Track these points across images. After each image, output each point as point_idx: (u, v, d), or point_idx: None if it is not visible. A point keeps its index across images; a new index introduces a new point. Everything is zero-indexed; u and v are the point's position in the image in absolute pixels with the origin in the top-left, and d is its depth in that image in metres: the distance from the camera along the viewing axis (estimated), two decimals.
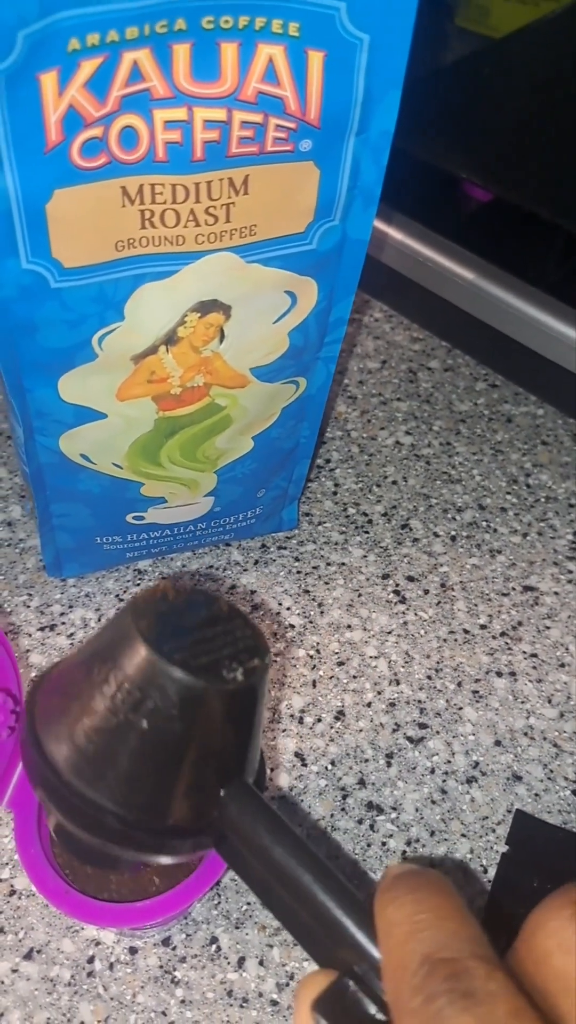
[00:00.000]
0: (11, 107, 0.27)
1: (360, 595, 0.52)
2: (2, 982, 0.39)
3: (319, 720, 0.47)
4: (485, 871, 0.43)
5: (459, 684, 0.49)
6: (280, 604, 0.52)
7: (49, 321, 0.34)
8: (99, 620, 0.50)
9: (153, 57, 0.28)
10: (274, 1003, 0.39)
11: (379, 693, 0.48)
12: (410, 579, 0.53)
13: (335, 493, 0.57)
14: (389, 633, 0.51)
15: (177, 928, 0.41)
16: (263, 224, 0.34)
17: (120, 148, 0.30)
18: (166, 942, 0.40)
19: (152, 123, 0.30)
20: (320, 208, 0.34)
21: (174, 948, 0.40)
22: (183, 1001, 0.39)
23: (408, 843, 0.44)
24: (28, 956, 0.40)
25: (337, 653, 0.50)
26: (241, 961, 0.40)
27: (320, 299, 0.38)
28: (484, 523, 0.56)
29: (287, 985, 0.39)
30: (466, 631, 0.51)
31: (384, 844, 0.43)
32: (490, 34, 0.88)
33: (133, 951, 0.40)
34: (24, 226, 0.31)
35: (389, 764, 0.46)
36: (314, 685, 0.48)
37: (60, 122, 0.28)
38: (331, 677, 0.49)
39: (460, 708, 0.48)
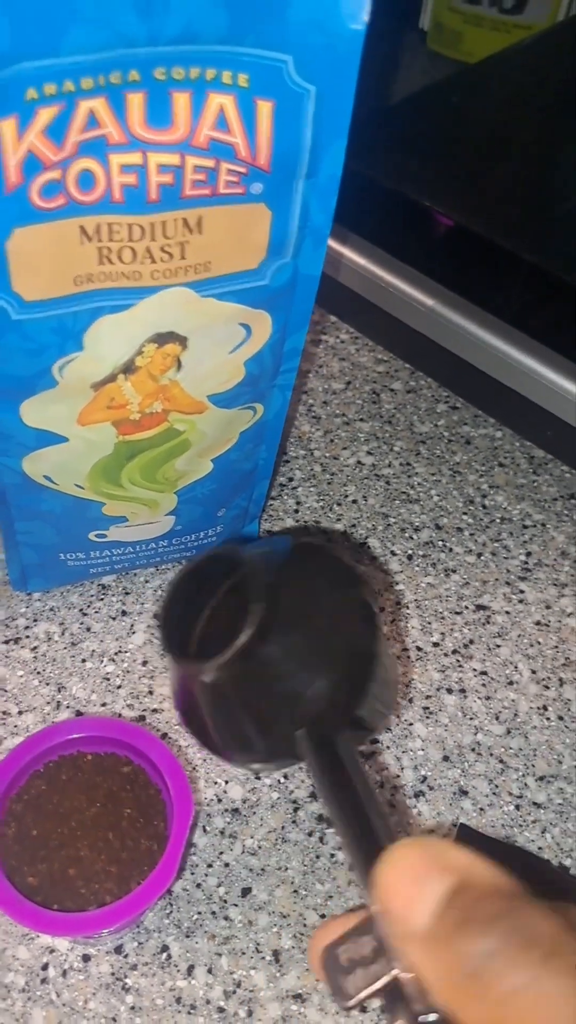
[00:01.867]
0: None
1: None
2: None
3: None
4: None
5: (411, 700, 0.50)
6: None
7: (10, 350, 0.35)
8: (63, 634, 0.52)
9: (108, 105, 0.29)
10: (221, 1010, 0.40)
11: None
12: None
13: (296, 511, 0.59)
14: None
15: (129, 936, 0.42)
16: (217, 261, 0.35)
17: (78, 189, 0.31)
18: (118, 950, 0.42)
19: (108, 167, 0.31)
20: (272, 246, 0.35)
21: (126, 956, 0.42)
22: (133, 1008, 0.40)
23: None
24: None
25: None
26: (191, 969, 0.41)
27: (274, 331, 0.39)
28: (440, 542, 0.58)
29: (234, 992, 0.41)
30: (419, 648, 0.53)
31: (332, 856, 0.45)
32: (464, 59, 0.90)
33: (86, 958, 0.41)
34: None
35: None
36: None
37: (19, 165, 0.30)
38: None
39: (411, 724, 0.50)
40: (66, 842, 0.38)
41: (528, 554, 0.57)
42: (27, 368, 0.36)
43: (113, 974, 0.41)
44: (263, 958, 0.42)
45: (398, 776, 0.48)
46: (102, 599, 0.54)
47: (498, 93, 0.75)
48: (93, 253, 0.33)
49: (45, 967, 0.41)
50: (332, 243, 0.61)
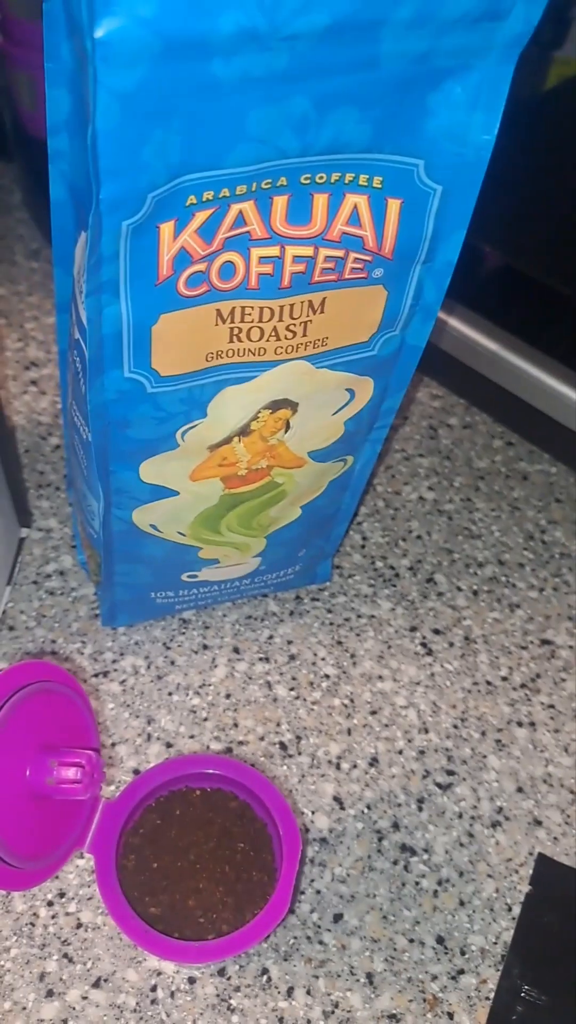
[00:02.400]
0: (132, 252, 0.31)
1: (390, 647, 0.56)
2: (73, 1008, 0.43)
3: (355, 766, 0.51)
4: (509, 909, 0.47)
5: (483, 733, 0.53)
6: (315, 655, 0.56)
7: (141, 419, 0.38)
8: (148, 667, 0.54)
9: (256, 207, 0.32)
10: None
11: (409, 741, 0.52)
12: (436, 632, 0.57)
13: (363, 547, 0.61)
14: (417, 684, 0.55)
15: (231, 960, 0.44)
16: (334, 336, 0.38)
17: (219, 279, 0.34)
18: (221, 972, 0.44)
19: (249, 259, 0.34)
20: (384, 322, 0.38)
21: (229, 978, 0.44)
22: None
23: (439, 883, 0.48)
24: (96, 984, 0.43)
25: (370, 702, 0.54)
26: (290, 991, 0.44)
27: (375, 393, 0.42)
28: (503, 578, 0.60)
29: (332, 1013, 0.43)
30: (488, 682, 0.55)
31: (417, 884, 0.47)
32: None
33: (192, 980, 0.44)
34: (131, 344, 0.35)
35: (420, 809, 0.50)
36: (349, 733, 0.52)
37: (171, 261, 0.32)
38: (365, 725, 0.53)
39: (484, 756, 0.52)
40: (186, 874, 0.41)
41: None
42: (153, 433, 0.39)
43: (218, 995, 0.44)
44: (357, 980, 0.44)
45: (475, 807, 0.50)
46: (183, 633, 0.56)
47: (546, 133, 0.77)
48: (225, 333, 0.36)
49: (154, 988, 0.44)
50: None
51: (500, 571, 0.61)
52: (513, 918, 0.47)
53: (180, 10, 0.25)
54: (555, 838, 0.49)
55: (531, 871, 0.48)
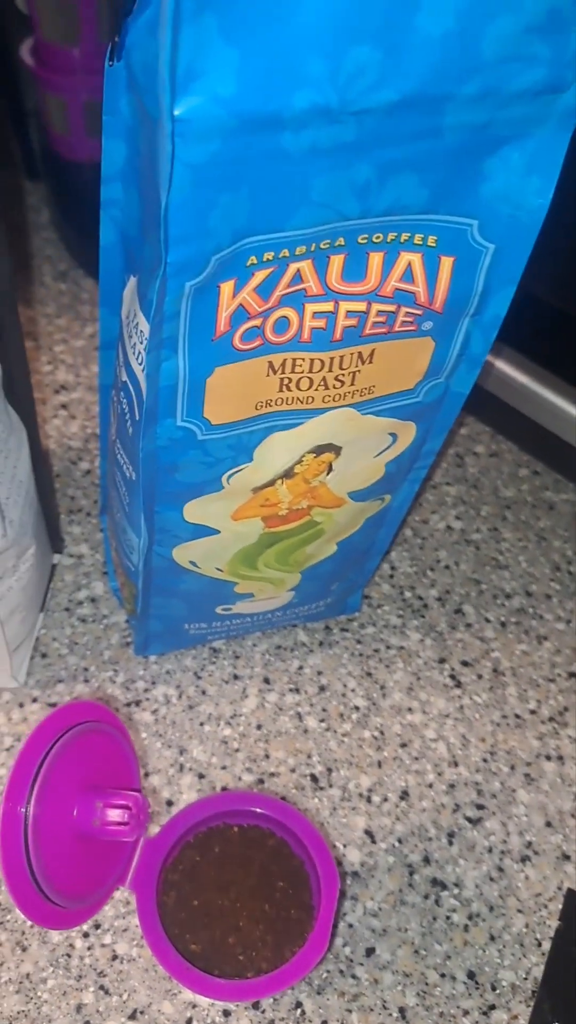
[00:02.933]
0: (193, 310, 0.32)
1: (419, 679, 0.57)
2: None
3: (386, 799, 0.52)
4: (539, 944, 0.47)
5: (512, 767, 0.53)
6: (345, 686, 0.56)
7: (189, 463, 0.39)
8: (180, 697, 0.55)
9: (313, 266, 0.33)
10: None
11: (439, 774, 0.53)
12: (464, 664, 0.58)
13: (391, 576, 0.62)
14: (447, 716, 0.55)
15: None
16: (380, 384, 0.38)
17: (273, 333, 0.34)
18: (256, 1006, 0.45)
19: (303, 314, 0.34)
20: (431, 370, 0.39)
21: (263, 1011, 0.45)
22: None
23: (470, 917, 0.48)
24: (132, 1016, 0.44)
25: (399, 735, 0.54)
26: None
27: (417, 436, 0.42)
28: (531, 609, 0.61)
29: None
30: (517, 716, 0.56)
31: (448, 918, 0.48)
32: None
33: (227, 1014, 0.44)
34: (186, 395, 0.35)
35: (451, 843, 0.50)
36: (380, 765, 0.53)
37: (229, 318, 0.33)
38: (395, 758, 0.53)
39: (514, 790, 0.53)
40: (226, 912, 0.41)
41: None
42: (200, 477, 0.40)
43: None
44: (390, 1014, 0.45)
45: (504, 841, 0.51)
46: (214, 663, 0.57)
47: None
48: (276, 383, 0.36)
49: (189, 1021, 0.44)
50: None
51: (527, 602, 0.61)
52: (543, 953, 0.47)
53: (257, 89, 0.26)
54: None
55: (560, 906, 0.49)
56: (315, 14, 0.25)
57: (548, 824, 0.52)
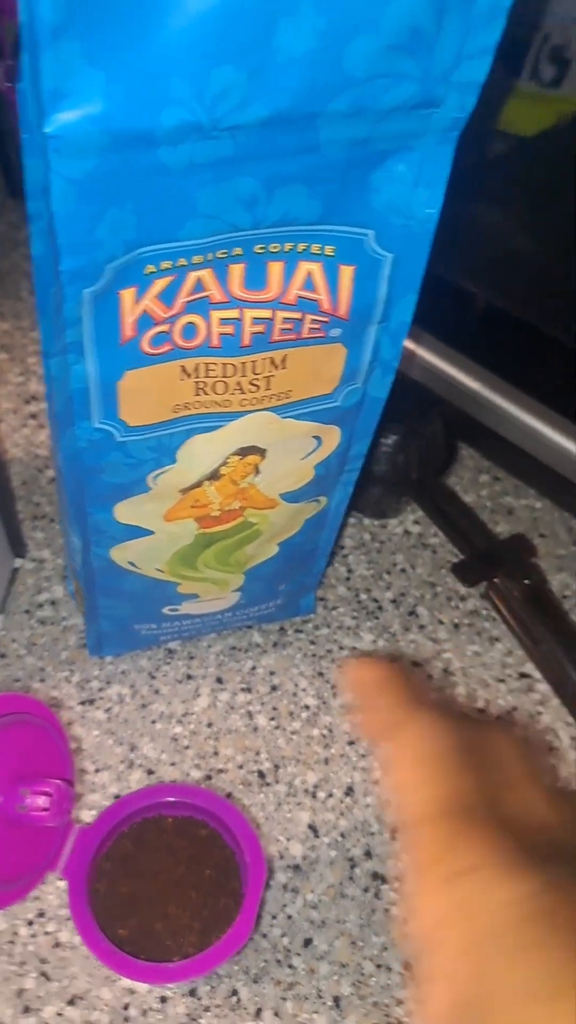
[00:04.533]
0: (96, 316, 0.34)
1: None
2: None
3: (331, 795, 0.53)
4: None
5: None
6: (296, 685, 0.57)
7: (113, 465, 0.40)
8: (133, 696, 0.56)
9: (214, 275, 0.34)
10: None
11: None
12: (416, 664, 0.59)
13: (348, 579, 0.63)
14: None
15: (202, 980, 0.46)
16: (297, 390, 0.40)
17: (182, 339, 0.36)
18: (192, 993, 0.46)
19: (209, 320, 0.36)
20: (345, 376, 0.40)
21: (199, 999, 0.46)
22: None
23: None
24: (71, 1002, 0.45)
25: (348, 733, 0.55)
26: (258, 1012, 0.46)
27: (342, 440, 0.44)
28: (484, 612, 0.62)
29: None
30: (466, 715, 0.57)
31: (387, 911, 0.49)
32: (504, 129, 0.94)
33: (163, 1000, 0.46)
34: (98, 398, 0.37)
35: (394, 838, 0.52)
36: (327, 762, 0.54)
37: (134, 323, 0.35)
38: (342, 755, 0.55)
39: None
40: (154, 899, 0.43)
41: (571, 625, 0.61)
42: (125, 478, 0.41)
43: (188, 1015, 0.45)
44: (324, 1003, 0.46)
45: None
46: (168, 663, 0.58)
47: (546, 173, 0.79)
48: (191, 387, 0.38)
49: (126, 1007, 0.45)
50: None
51: (482, 604, 0.62)
52: None
53: (125, 108, 0.27)
54: None
55: None
56: (176, 38, 0.26)
57: None
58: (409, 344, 0.66)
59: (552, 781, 0.30)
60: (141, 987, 0.46)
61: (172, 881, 0.44)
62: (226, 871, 0.44)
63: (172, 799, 0.45)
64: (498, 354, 0.66)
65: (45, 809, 0.40)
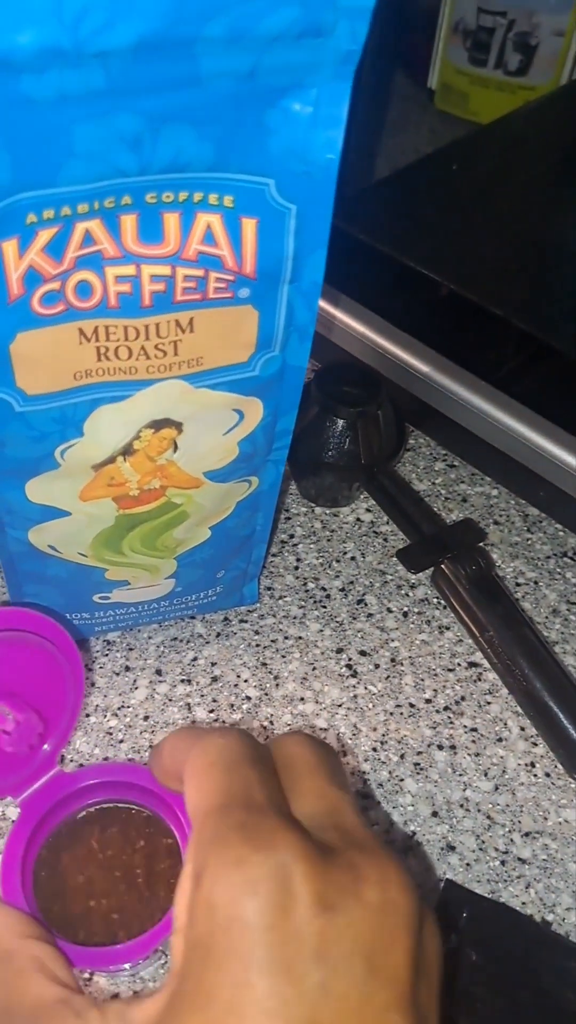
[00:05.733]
0: None
1: (315, 668, 0.56)
2: None
3: None
4: None
5: (402, 756, 0.52)
6: (239, 676, 0.55)
7: (15, 438, 0.38)
8: None
9: (104, 226, 0.32)
10: None
11: (339, 754, 0.52)
12: (362, 653, 0.57)
13: (296, 568, 0.61)
14: (339, 706, 0.54)
15: (162, 979, 0.44)
16: (208, 356, 0.37)
17: (76, 298, 0.34)
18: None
19: (104, 278, 0.34)
20: (260, 342, 0.38)
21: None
22: None
23: None
24: None
25: (289, 724, 0.53)
26: None
27: (266, 414, 0.42)
28: (435, 599, 0.60)
29: None
30: (412, 705, 0.55)
31: None
32: (471, 119, 0.92)
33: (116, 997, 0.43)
34: None
35: None
36: None
37: (21, 279, 0.32)
38: None
39: (401, 780, 0.52)
40: (96, 885, 0.41)
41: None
42: (30, 452, 0.39)
43: None
44: None
45: (388, 832, 0.50)
46: (107, 655, 0.56)
47: (499, 159, 0.77)
48: (91, 352, 0.36)
49: None
50: (326, 305, 0.64)
51: (432, 593, 0.60)
52: None
53: None
54: (467, 864, 0.49)
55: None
56: None
57: (434, 814, 0.50)
58: (361, 327, 0.64)
59: (336, 774, 0.32)
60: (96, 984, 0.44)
61: (115, 867, 0.42)
62: (167, 855, 0.43)
63: (109, 779, 0.44)
64: (454, 338, 0.64)
65: (5, 732, 0.38)
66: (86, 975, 0.43)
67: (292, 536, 0.63)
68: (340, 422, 0.59)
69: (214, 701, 0.54)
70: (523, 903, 0.48)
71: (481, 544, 0.60)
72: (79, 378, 0.37)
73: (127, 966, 0.40)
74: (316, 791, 0.30)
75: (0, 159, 0.29)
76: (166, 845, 0.43)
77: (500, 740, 0.53)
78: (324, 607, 0.59)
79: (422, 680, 0.56)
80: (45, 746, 0.42)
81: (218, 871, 0.26)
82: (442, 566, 0.57)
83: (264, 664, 0.56)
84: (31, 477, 0.40)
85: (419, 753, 0.53)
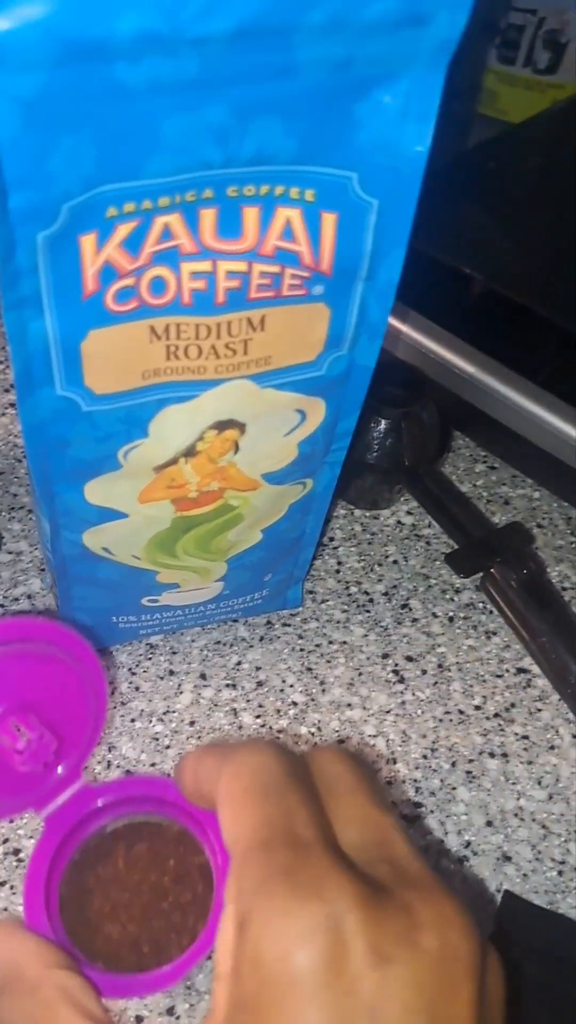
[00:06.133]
0: (53, 264, 0.31)
1: (360, 674, 0.55)
2: None
3: None
4: None
5: (453, 764, 0.52)
6: (284, 681, 0.54)
7: (80, 438, 0.37)
8: (112, 693, 0.53)
9: (183, 220, 0.31)
10: None
11: (377, 771, 0.51)
12: (409, 659, 0.56)
13: (338, 571, 0.60)
14: (388, 712, 0.53)
15: (181, 998, 0.43)
16: (277, 355, 0.37)
17: (150, 294, 0.33)
18: (170, 1011, 0.43)
19: (180, 274, 0.33)
20: (330, 341, 0.37)
21: (178, 1017, 0.43)
22: None
23: None
24: None
25: (337, 731, 0.52)
26: None
27: (328, 415, 0.41)
28: (481, 604, 0.59)
29: None
30: (461, 711, 0.54)
31: None
32: (499, 117, 0.92)
33: (139, 1020, 0.43)
34: (60, 361, 0.34)
35: None
36: None
37: (97, 275, 0.31)
38: None
39: (454, 788, 0.51)
40: (124, 908, 0.40)
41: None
42: (93, 453, 0.38)
43: None
44: None
45: (442, 841, 0.49)
46: (150, 659, 0.55)
47: (535, 158, 0.77)
48: (161, 350, 0.35)
49: None
50: None
51: (478, 597, 0.59)
52: None
53: (78, 12, 0.24)
54: (524, 874, 0.48)
55: (497, 908, 0.47)
56: None
57: (489, 823, 0.50)
58: (403, 325, 0.64)
59: (378, 794, 0.30)
60: (114, 1006, 0.43)
61: (146, 889, 0.40)
62: (199, 877, 0.41)
63: (131, 794, 0.42)
64: (495, 337, 0.63)
65: (18, 751, 0.37)
66: (120, 1005, 0.42)
67: (332, 539, 0.62)
68: (383, 423, 0.59)
69: (260, 706, 0.53)
70: None
71: (530, 548, 0.59)
72: (147, 377, 0.36)
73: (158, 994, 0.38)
74: (362, 817, 0.28)
75: (86, 150, 0.28)
76: (198, 864, 0.41)
77: (552, 748, 0.53)
78: (368, 611, 0.58)
79: (471, 686, 0.55)
80: (60, 768, 0.41)
81: (265, 921, 0.24)
82: (492, 571, 0.56)
83: (309, 669, 0.55)
84: (92, 478, 0.40)
85: (470, 761, 0.52)
